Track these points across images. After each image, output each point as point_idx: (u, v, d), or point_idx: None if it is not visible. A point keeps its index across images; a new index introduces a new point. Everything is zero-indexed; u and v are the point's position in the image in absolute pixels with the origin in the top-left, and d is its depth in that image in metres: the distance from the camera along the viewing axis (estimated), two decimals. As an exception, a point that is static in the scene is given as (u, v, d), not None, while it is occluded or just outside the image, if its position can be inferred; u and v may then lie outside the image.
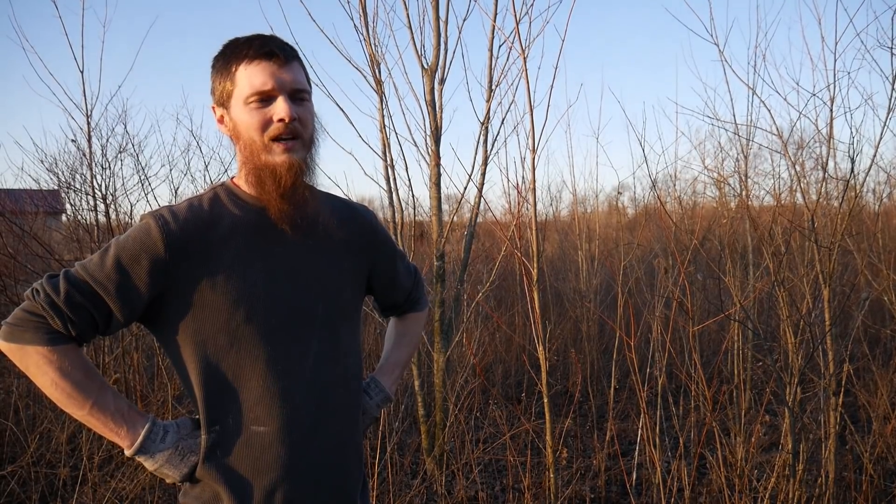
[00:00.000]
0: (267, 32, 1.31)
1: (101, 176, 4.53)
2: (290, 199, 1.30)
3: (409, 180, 4.17)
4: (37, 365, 1.19)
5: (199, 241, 1.25)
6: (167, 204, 1.32)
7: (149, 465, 1.26)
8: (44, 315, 1.19)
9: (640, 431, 3.58)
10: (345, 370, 1.40)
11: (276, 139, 1.27)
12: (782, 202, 4.54)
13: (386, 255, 1.55)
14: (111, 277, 1.20)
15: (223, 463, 1.27)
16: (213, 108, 1.35)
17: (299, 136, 1.28)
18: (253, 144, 1.28)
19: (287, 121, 1.25)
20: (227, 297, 1.25)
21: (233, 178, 1.39)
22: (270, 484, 1.28)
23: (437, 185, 3.86)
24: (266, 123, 1.26)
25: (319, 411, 1.34)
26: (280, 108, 1.25)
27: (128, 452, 1.24)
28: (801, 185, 3.86)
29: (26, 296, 1.21)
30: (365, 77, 3.76)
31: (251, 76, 1.25)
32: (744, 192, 4.53)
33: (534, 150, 2.73)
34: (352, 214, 1.49)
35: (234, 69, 1.27)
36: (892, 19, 2.91)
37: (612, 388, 4.34)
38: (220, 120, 1.34)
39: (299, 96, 1.29)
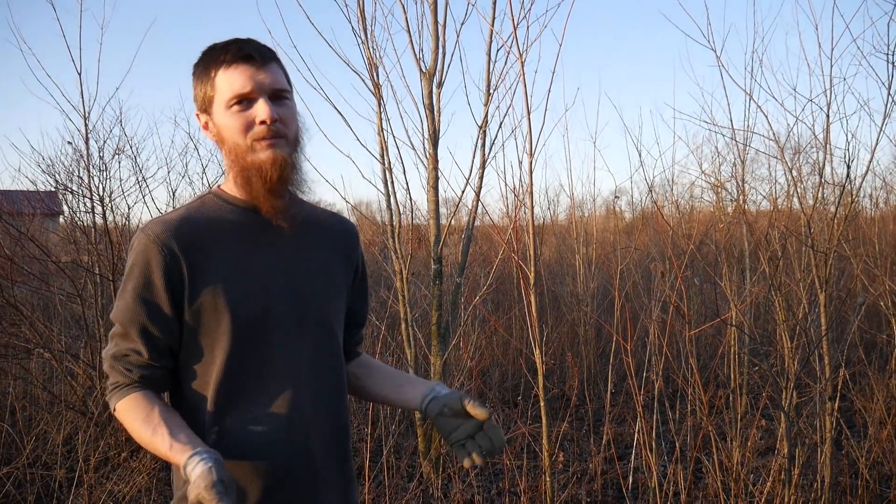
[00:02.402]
0: (244, 36, 1.33)
1: (99, 178, 4.54)
2: (278, 194, 1.31)
3: (407, 183, 4.17)
4: (124, 423, 1.28)
5: (192, 245, 1.26)
6: (157, 216, 1.34)
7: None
8: (112, 380, 1.29)
9: (636, 435, 3.58)
10: (338, 373, 1.41)
11: (259, 139, 1.28)
12: (779, 207, 4.56)
13: (364, 279, 1.57)
14: (138, 311, 1.25)
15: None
16: (198, 115, 1.36)
17: (283, 135, 1.30)
18: (237, 147, 1.29)
19: (269, 122, 1.26)
20: (226, 299, 1.26)
21: (219, 185, 1.40)
22: (268, 486, 1.28)
23: (435, 188, 3.86)
24: (248, 126, 1.27)
25: (316, 412, 1.34)
26: (261, 109, 1.26)
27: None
28: (798, 190, 3.88)
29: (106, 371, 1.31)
30: (363, 80, 3.77)
31: (230, 80, 1.27)
32: (741, 197, 4.54)
33: (531, 154, 2.74)
34: (342, 226, 1.51)
35: (213, 74, 1.29)
36: (888, 25, 2.92)
37: (609, 392, 4.35)
38: (205, 126, 1.35)
39: (279, 96, 1.30)
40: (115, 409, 1.28)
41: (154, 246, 1.24)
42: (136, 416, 1.24)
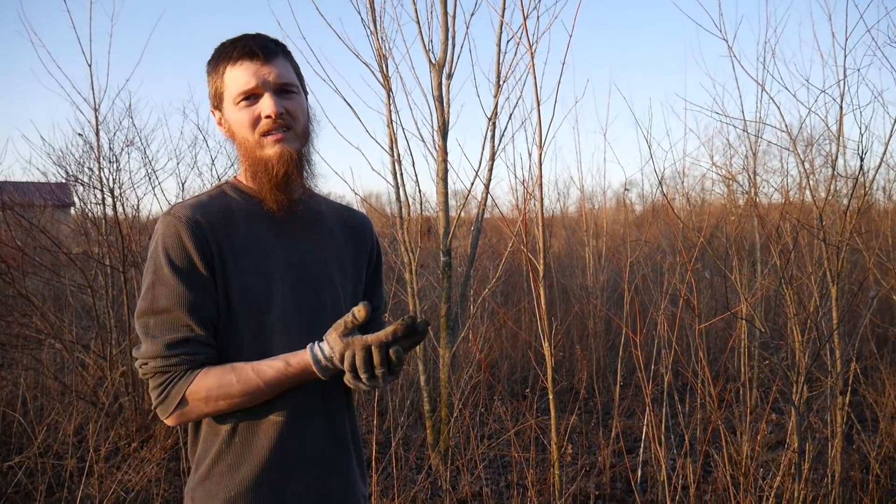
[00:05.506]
0: (254, 28, 1.36)
1: (109, 169, 4.56)
2: (283, 189, 1.32)
3: (416, 175, 4.14)
4: (204, 404, 1.23)
5: (214, 229, 1.27)
6: (178, 202, 1.34)
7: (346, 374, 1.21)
8: (166, 377, 1.22)
9: (645, 429, 3.57)
10: None
11: (266, 134, 1.30)
12: (791, 199, 4.52)
13: (379, 270, 1.58)
14: (183, 289, 1.22)
15: (240, 451, 1.28)
16: (212, 111, 1.39)
17: (290, 128, 1.31)
18: (246, 142, 1.31)
19: (273, 116, 1.28)
20: (240, 289, 1.27)
21: (236, 175, 1.42)
22: (280, 474, 1.29)
23: (444, 180, 3.85)
24: (255, 121, 1.29)
25: (325, 403, 1.35)
26: (266, 104, 1.28)
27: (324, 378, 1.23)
28: (810, 182, 3.84)
29: (144, 377, 1.26)
30: (372, 72, 3.76)
31: (236, 77, 1.29)
32: (752, 190, 4.51)
33: (541, 146, 2.72)
34: (356, 220, 1.52)
35: (222, 72, 1.32)
36: (904, 16, 2.88)
37: (618, 385, 4.34)
38: (220, 122, 1.38)
39: (286, 89, 1.32)
40: (185, 396, 1.22)
41: (183, 225, 1.24)
42: (226, 375, 1.22)
